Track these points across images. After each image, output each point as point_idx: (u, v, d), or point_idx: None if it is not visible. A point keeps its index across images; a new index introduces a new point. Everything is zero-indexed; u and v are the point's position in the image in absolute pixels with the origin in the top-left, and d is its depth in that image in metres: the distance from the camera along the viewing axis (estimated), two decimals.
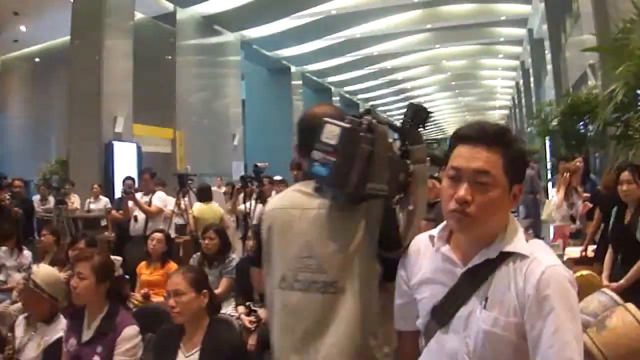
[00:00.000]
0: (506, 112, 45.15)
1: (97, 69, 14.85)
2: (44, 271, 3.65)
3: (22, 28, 19.99)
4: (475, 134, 1.71)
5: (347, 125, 1.96)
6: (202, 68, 21.09)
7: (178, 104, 18.84)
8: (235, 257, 5.59)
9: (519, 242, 1.71)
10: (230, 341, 3.01)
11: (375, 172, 1.89)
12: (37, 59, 21.86)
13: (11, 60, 22.41)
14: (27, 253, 6.69)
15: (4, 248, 6.79)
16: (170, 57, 19.14)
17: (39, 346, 3.42)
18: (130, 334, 3.09)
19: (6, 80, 22.44)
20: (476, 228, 1.69)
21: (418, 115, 2.04)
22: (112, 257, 3.58)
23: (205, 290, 3.05)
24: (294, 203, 2.18)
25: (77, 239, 5.54)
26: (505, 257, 1.70)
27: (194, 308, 2.98)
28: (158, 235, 5.93)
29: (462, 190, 1.66)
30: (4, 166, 19.80)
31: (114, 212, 9.45)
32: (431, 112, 2.10)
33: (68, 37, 16.02)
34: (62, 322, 3.41)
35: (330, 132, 1.98)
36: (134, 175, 11.08)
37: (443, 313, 1.75)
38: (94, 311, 3.18)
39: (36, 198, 12.20)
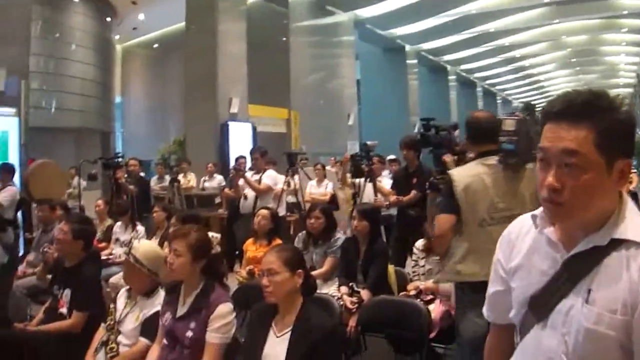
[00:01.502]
0: (630, 90, 42.57)
1: (212, 53, 15.17)
2: (144, 246, 3.73)
3: (141, 16, 20.74)
4: (560, 108, 1.47)
5: (520, 118, 3.26)
6: (316, 49, 21.12)
7: (292, 85, 18.98)
8: (341, 236, 5.52)
9: (635, 228, 1.46)
10: (323, 323, 2.91)
11: (533, 144, 2.66)
12: (155, 45, 22.65)
13: (131, 48, 23.33)
14: (140, 228, 6.99)
15: (119, 223, 7.12)
16: (284, 39, 19.28)
17: (138, 319, 3.49)
18: (224, 311, 3.08)
19: (127, 67, 23.39)
20: (572, 217, 1.47)
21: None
22: (211, 234, 3.58)
23: (300, 270, 2.98)
24: (480, 171, 3.36)
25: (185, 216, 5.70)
26: (616, 244, 1.45)
27: (287, 288, 2.92)
28: (264, 212, 5.98)
29: (550, 177, 1.44)
30: (126, 147, 20.73)
31: (226, 190, 9.63)
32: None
33: (184, 23, 16.46)
34: (161, 297, 3.47)
35: (509, 124, 3.24)
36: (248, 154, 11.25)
37: (541, 305, 1.53)
38: (190, 287, 3.21)
39: (154, 177, 12.66)
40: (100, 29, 19.79)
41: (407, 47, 28.00)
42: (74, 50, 18.53)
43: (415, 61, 29.03)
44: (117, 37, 22.12)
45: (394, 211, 7.12)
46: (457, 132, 4.68)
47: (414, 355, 3.95)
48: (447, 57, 31.60)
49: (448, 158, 4.28)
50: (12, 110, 11.21)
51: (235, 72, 15.64)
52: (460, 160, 4.16)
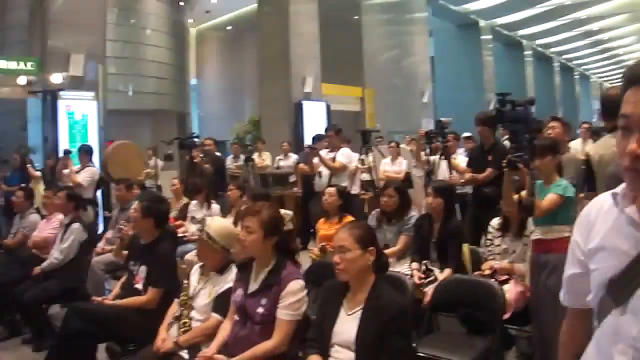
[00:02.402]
0: None
1: (284, 33, 15.25)
2: (217, 223, 3.76)
3: (213, 0, 20.91)
4: None
5: None
6: (389, 26, 20.93)
7: (366, 63, 18.90)
8: (415, 214, 5.45)
9: None
10: (395, 301, 2.85)
11: None
12: (228, 28, 22.85)
13: (205, 30, 23.63)
14: (215, 207, 7.11)
15: (194, 202, 7.24)
16: (356, 17, 19.16)
17: (210, 295, 3.53)
18: (295, 288, 3.07)
19: (201, 49, 23.74)
20: None
21: None
22: (283, 211, 3.58)
23: (372, 248, 2.93)
24: (612, 143, 3.29)
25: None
26: None
27: (358, 265, 2.88)
28: (330, 189, 6.00)
29: (633, 143, 1.30)
30: (202, 128, 21.08)
31: (300, 165, 9.63)
32: None
33: (256, 5, 16.56)
34: (233, 273, 3.48)
35: None
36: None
37: (620, 289, 1.38)
38: (261, 264, 3.21)
39: (230, 156, 12.84)
40: (174, 14, 20.11)
41: (482, 23, 27.44)
42: (149, 35, 18.91)
43: (489, 36, 28.44)
44: (190, 20, 22.43)
45: (469, 189, 7.00)
46: (533, 108, 4.54)
47: (487, 336, 3.86)
48: (522, 32, 30.83)
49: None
50: (91, 94, 11.55)
51: (308, 51, 15.68)
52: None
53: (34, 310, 5.66)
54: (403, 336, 2.81)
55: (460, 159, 8.13)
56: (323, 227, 5.89)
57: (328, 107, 15.97)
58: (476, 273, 4.55)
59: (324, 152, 8.22)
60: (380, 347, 2.72)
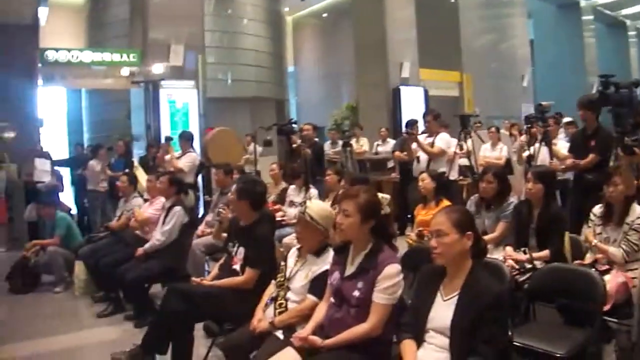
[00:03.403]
0: None
1: (381, 18, 15.19)
2: (317, 205, 3.79)
3: None
4: None
5: None
6: (486, 9, 20.51)
7: (464, 47, 18.62)
8: (514, 201, 5.31)
9: None
10: (492, 288, 2.77)
11: None
12: (324, 15, 22.88)
13: (301, 18, 23.77)
14: (313, 191, 7.19)
15: (292, 186, 7.33)
16: (453, 1, 18.85)
17: (307, 276, 3.56)
18: (391, 272, 3.03)
19: (298, 37, 23.90)
20: None
21: None
22: (380, 195, 3.55)
23: (469, 232, 2.85)
24: None
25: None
26: None
27: (456, 250, 2.82)
28: (423, 175, 6.04)
29: None
30: (300, 114, 21.25)
31: (397, 152, 9.58)
32: None
33: None
34: (330, 256, 3.48)
35: None
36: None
37: None
38: (358, 247, 3.19)
39: (328, 142, 12.90)
40: (270, 3, 20.29)
41: (582, 3, 26.44)
42: (246, 24, 19.16)
43: (591, 17, 27.32)
44: (286, 9, 22.59)
45: (570, 176, 6.77)
46: (638, 90, 4.35)
47: (585, 328, 3.70)
48: (625, 11, 29.46)
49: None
50: (191, 83, 11.88)
51: (404, 36, 15.56)
52: None
53: (136, 289, 5.93)
54: (499, 324, 2.73)
55: (561, 144, 7.87)
56: (420, 213, 5.90)
57: (426, 92, 15.82)
58: (576, 262, 4.39)
59: (422, 137, 8.14)
60: (475, 334, 2.66)
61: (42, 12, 13.09)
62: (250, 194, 4.37)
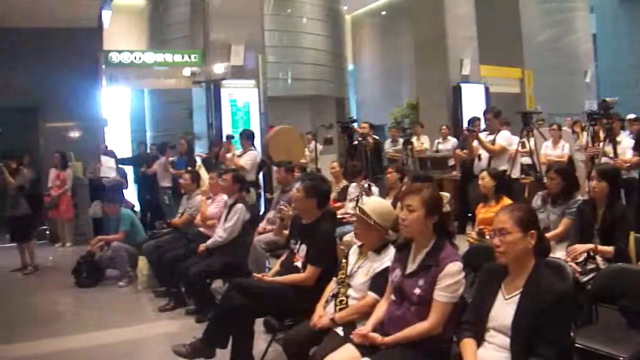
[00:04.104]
0: None
1: (440, 15, 15.06)
2: (372, 201, 3.81)
3: None
4: None
5: None
6: (547, 4, 20.13)
7: (525, 43, 18.33)
8: (580, 197, 5.20)
9: None
10: (554, 288, 2.71)
11: None
12: (383, 12, 22.79)
13: (360, 17, 23.74)
14: (374, 189, 7.14)
15: (353, 184, 7.33)
16: None
17: (367, 274, 3.56)
18: (453, 270, 3.01)
19: (357, 35, 23.89)
20: None
21: None
22: (442, 193, 3.52)
23: (532, 231, 2.80)
24: None
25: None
26: None
27: (518, 248, 2.77)
28: (483, 173, 5.97)
29: None
30: (360, 112, 21.23)
31: (457, 151, 9.52)
32: None
33: None
34: (391, 253, 3.48)
35: None
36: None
37: None
38: (420, 244, 3.18)
39: (388, 140, 12.89)
40: (329, 1, 20.35)
41: None
42: (305, 23, 19.26)
43: None
44: (345, 7, 22.62)
45: (635, 174, 6.60)
46: None
47: None
48: None
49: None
50: (252, 82, 11.99)
51: (464, 33, 15.40)
52: None
53: (198, 284, 6.02)
54: (561, 325, 2.68)
55: (626, 141, 7.67)
56: (481, 211, 5.85)
57: (487, 89, 15.61)
58: None
59: (483, 135, 8.06)
60: (537, 334, 2.62)
61: (106, 16, 13.39)
62: (318, 192, 4.42)
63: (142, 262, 7.55)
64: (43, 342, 5.82)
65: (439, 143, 12.15)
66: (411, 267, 3.16)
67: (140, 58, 12.95)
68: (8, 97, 11.58)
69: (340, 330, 3.45)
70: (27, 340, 5.88)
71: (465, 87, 15.03)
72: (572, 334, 3.03)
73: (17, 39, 11.45)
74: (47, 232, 11.63)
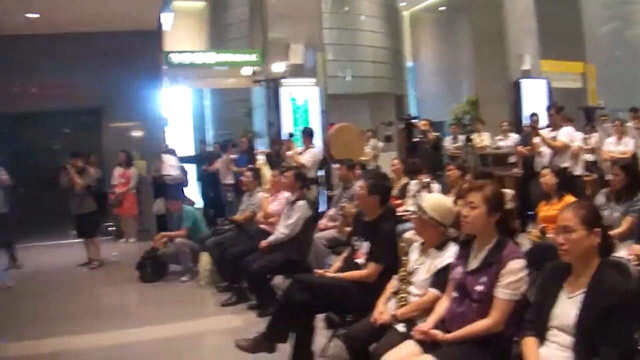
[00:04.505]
0: None
1: (499, 9, 14.85)
2: (431, 197, 3.82)
3: None
4: None
5: None
6: None
7: (586, 36, 17.90)
8: None
9: None
10: (619, 287, 2.65)
11: None
12: (441, 8, 22.59)
13: (418, 13, 23.56)
14: (435, 186, 7.12)
15: (414, 181, 7.31)
16: None
17: (429, 270, 3.57)
18: (515, 268, 2.99)
19: (416, 31, 23.72)
20: None
21: None
22: (504, 190, 3.50)
23: (597, 229, 2.75)
24: None
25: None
26: None
27: (582, 246, 2.72)
28: (544, 170, 5.93)
29: None
30: (419, 109, 21.08)
31: (519, 147, 9.41)
32: None
33: None
34: (452, 250, 3.49)
35: None
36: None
37: None
38: (483, 241, 3.17)
39: (448, 137, 12.81)
40: None
41: None
42: (363, 21, 19.23)
43: None
44: (403, 4, 22.50)
45: None
46: None
47: None
48: None
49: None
50: (312, 80, 12.04)
51: (524, 27, 15.13)
52: None
53: (260, 280, 6.15)
54: (625, 325, 2.62)
55: None
56: (543, 209, 5.79)
57: (548, 84, 15.31)
58: None
59: (545, 131, 7.95)
60: (600, 334, 2.57)
61: (166, 18, 13.63)
62: (381, 189, 4.43)
63: (205, 258, 7.70)
64: (107, 335, 6.02)
65: (499, 140, 11.99)
66: (473, 264, 3.16)
67: (200, 58, 13.16)
68: (73, 100, 11.96)
69: (401, 327, 3.45)
70: (92, 332, 6.10)
71: (525, 83, 14.78)
72: (635, 335, 2.98)
73: (81, 43, 11.79)
74: (112, 228, 11.94)
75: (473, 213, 3.14)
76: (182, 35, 18.26)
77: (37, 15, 10.59)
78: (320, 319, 4.54)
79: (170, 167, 11.02)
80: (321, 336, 4.57)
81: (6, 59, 11.57)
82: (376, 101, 19.47)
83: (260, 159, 10.65)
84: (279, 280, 6.59)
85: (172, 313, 6.74)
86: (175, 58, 12.79)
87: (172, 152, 11.71)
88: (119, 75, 11.93)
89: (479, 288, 3.04)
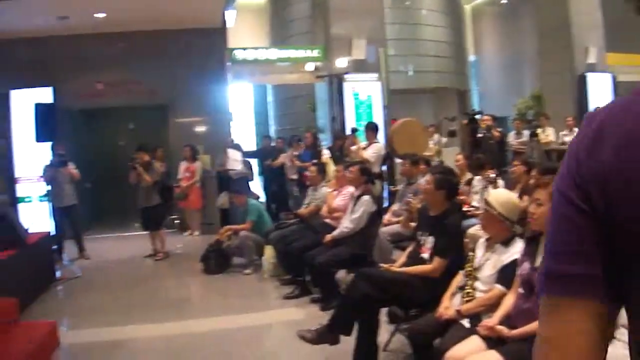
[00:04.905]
0: None
1: (564, 2, 14.54)
2: (498, 193, 3.80)
3: None
4: None
5: None
6: None
7: None
8: None
9: None
10: None
11: None
12: (503, 1, 22.23)
13: (479, 6, 23.20)
14: (499, 182, 7.03)
15: (478, 177, 7.26)
16: None
17: (495, 266, 3.56)
18: None
19: (478, 25, 23.36)
20: None
21: None
22: None
23: None
24: None
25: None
26: None
27: None
28: None
29: None
30: (482, 104, 20.80)
31: None
32: None
33: None
34: (519, 246, 3.47)
35: None
36: None
37: None
38: None
39: (512, 132, 12.63)
40: None
41: None
42: (425, 15, 19.09)
43: None
44: None
45: None
46: None
47: None
48: None
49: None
50: (374, 75, 12.04)
51: (589, 19, 14.78)
52: None
53: (324, 274, 6.19)
54: None
55: None
56: None
57: (614, 78, 14.94)
58: None
59: None
60: None
61: (229, 15, 13.80)
62: (447, 184, 4.44)
63: (269, 251, 7.79)
64: (172, 325, 6.19)
65: (564, 135, 11.78)
66: (540, 260, 3.12)
67: (264, 55, 13.30)
68: (140, 96, 12.24)
69: (466, 322, 3.47)
70: (157, 322, 6.28)
71: (591, 77, 14.48)
72: None
73: (147, 41, 12.04)
74: (177, 221, 12.17)
75: (540, 210, 3.12)
76: (244, 32, 18.44)
77: (104, 15, 10.86)
78: (383, 313, 4.54)
79: (234, 161, 11.16)
80: (383, 330, 4.56)
81: (76, 57, 11.90)
82: (438, 96, 19.32)
83: (326, 154, 10.71)
84: (342, 274, 6.60)
85: (235, 305, 6.87)
86: (239, 55, 12.97)
87: (237, 147, 11.86)
88: (185, 72, 12.14)
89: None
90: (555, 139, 12.02)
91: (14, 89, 11.11)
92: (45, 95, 10.75)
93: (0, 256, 6.50)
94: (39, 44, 11.57)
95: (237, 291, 7.45)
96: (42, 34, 11.40)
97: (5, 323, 5.22)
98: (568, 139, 11.52)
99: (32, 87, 10.94)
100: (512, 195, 3.88)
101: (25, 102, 10.53)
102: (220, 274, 8.24)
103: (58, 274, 8.47)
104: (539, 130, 11.49)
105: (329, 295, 6.13)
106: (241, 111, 18.72)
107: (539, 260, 3.14)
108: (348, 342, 4.36)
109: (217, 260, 8.34)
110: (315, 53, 13.05)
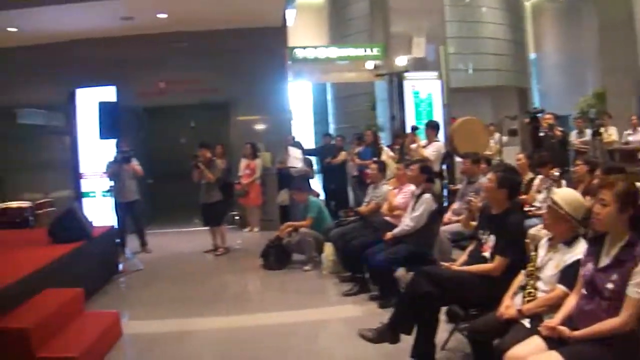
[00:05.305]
0: None
1: None
2: (565, 192, 3.76)
3: None
4: None
5: None
6: None
7: None
8: None
9: None
10: None
11: None
12: None
13: (540, 3, 22.84)
14: (562, 182, 6.97)
15: (540, 176, 7.20)
16: None
17: (557, 266, 3.53)
18: None
19: (538, 22, 23.01)
20: None
21: None
22: (639, 184, 3.38)
23: None
24: None
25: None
26: None
27: None
28: None
29: None
30: (543, 102, 20.48)
31: None
32: None
33: None
34: (582, 246, 3.44)
35: None
36: None
37: None
38: (615, 238, 3.11)
39: (574, 131, 12.43)
40: None
41: None
42: (484, 12, 18.93)
43: None
44: None
45: None
46: None
47: None
48: None
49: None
50: (434, 74, 12.03)
51: None
52: None
53: (383, 271, 6.21)
54: None
55: None
56: None
57: None
58: None
59: None
60: None
61: (289, 14, 13.93)
62: (510, 183, 4.44)
63: (328, 248, 7.88)
64: (232, 318, 6.33)
65: (628, 134, 11.54)
66: (604, 261, 3.10)
67: (323, 53, 13.39)
68: (201, 95, 12.47)
69: (527, 322, 3.46)
70: (218, 315, 6.44)
71: None
72: None
73: (208, 40, 12.25)
74: (237, 217, 12.36)
75: (604, 211, 3.10)
76: (304, 31, 18.57)
77: (165, 15, 11.09)
78: (442, 312, 4.54)
79: (295, 159, 11.30)
80: (441, 329, 4.56)
81: (139, 56, 12.19)
82: (498, 94, 19.12)
83: (386, 152, 10.74)
84: (401, 273, 6.63)
85: (294, 300, 6.97)
86: (299, 53, 13.09)
87: (298, 145, 11.99)
88: (246, 70, 12.31)
89: (610, 286, 2.99)
90: (618, 139, 11.78)
91: (79, 87, 11.48)
92: (108, 93, 11.07)
93: (67, 248, 6.75)
94: (104, 44, 11.90)
95: (296, 287, 7.55)
96: (106, 34, 11.75)
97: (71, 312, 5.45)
98: (632, 138, 11.28)
99: (96, 86, 11.28)
100: (578, 195, 3.83)
101: (90, 100, 10.85)
102: (280, 270, 8.35)
103: (120, 267, 8.72)
104: (601, 130, 11.28)
105: (387, 293, 6.18)
106: (301, 109, 18.85)
107: (603, 261, 3.12)
108: (404, 340, 4.41)
109: (276, 257, 8.47)
110: (374, 51, 13.07)
